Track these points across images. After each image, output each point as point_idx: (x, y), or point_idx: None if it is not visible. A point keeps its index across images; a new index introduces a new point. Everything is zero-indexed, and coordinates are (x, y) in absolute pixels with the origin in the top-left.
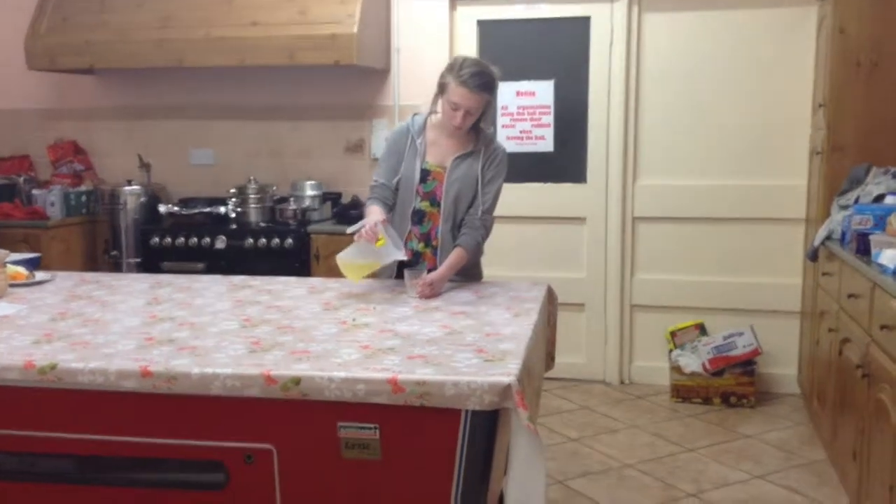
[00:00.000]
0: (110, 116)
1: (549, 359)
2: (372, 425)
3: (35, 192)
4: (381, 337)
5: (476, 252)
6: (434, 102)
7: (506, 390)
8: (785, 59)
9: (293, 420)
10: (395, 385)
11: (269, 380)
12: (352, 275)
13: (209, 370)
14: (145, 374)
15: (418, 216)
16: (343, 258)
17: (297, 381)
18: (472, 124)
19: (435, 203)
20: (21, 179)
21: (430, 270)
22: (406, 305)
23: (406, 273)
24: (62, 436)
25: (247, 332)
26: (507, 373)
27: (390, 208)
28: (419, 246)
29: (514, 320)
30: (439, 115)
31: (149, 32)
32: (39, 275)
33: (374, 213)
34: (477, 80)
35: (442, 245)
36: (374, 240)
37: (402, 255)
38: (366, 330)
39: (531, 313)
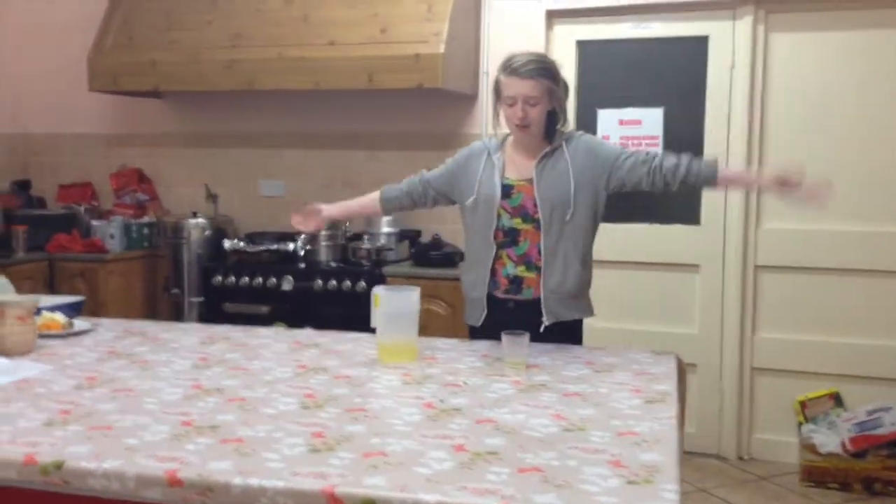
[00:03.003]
0: (177, 143)
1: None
2: None
3: (94, 223)
4: (479, 431)
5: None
6: (496, 115)
7: None
8: None
9: None
10: None
11: (334, 500)
12: (391, 357)
13: (255, 482)
14: (173, 482)
15: (511, 236)
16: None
17: None
18: (540, 122)
19: (528, 218)
20: (82, 209)
21: (534, 300)
22: (504, 381)
23: (504, 338)
24: None
25: (308, 415)
26: None
27: (401, 202)
28: (518, 270)
29: (648, 410)
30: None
31: (218, 52)
32: (79, 323)
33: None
34: (526, 66)
35: (548, 263)
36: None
37: None
38: (457, 418)
39: (668, 400)
